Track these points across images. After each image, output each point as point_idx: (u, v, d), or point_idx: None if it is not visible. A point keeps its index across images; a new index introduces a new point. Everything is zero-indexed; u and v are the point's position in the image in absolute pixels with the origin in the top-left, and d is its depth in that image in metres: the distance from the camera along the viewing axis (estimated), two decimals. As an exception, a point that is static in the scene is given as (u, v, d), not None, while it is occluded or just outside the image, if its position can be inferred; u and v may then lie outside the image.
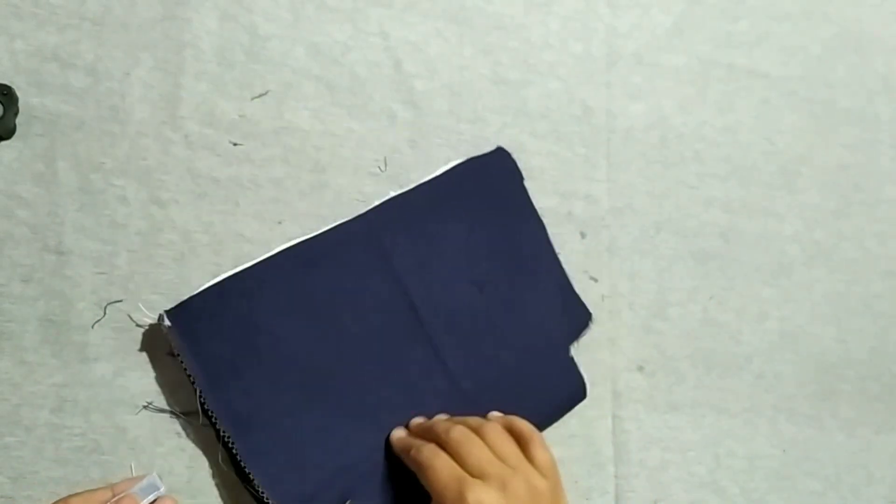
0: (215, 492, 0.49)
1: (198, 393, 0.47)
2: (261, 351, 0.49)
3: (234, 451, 0.47)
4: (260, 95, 0.55)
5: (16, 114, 0.50)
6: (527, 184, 0.60)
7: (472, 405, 0.52)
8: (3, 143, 0.50)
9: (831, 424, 0.67)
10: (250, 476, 0.47)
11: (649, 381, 0.62)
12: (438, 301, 0.53)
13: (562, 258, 0.61)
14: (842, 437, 0.67)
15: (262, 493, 0.46)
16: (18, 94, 0.50)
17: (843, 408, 0.68)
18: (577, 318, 0.59)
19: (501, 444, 0.47)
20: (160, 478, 0.47)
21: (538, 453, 0.48)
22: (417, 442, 0.48)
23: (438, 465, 0.45)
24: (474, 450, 0.46)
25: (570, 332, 0.59)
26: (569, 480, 0.59)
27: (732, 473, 0.63)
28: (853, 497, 0.67)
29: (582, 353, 0.61)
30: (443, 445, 0.46)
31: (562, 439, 0.59)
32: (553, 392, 0.57)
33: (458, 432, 0.47)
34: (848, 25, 0.73)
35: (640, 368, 0.62)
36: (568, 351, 0.58)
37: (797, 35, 0.71)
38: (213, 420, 0.47)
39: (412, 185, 0.56)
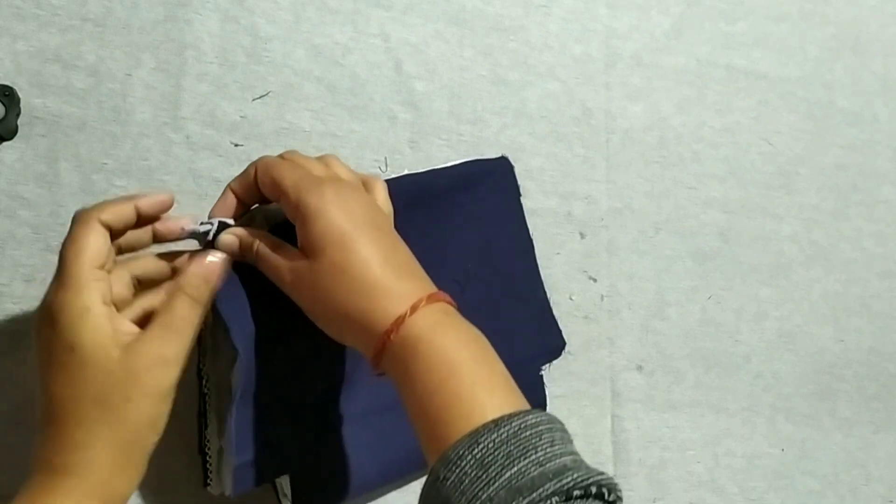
0: (217, 491, 0.49)
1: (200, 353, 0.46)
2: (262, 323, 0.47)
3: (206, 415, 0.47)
4: (261, 96, 0.55)
5: (18, 114, 0.50)
6: (527, 184, 0.61)
7: None
8: (6, 143, 0.50)
9: (829, 424, 0.67)
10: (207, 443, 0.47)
11: (648, 381, 0.63)
12: None
13: (561, 258, 0.61)
14: (840, 436, 0.68)
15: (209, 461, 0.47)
16: (20, 94, 0.50)
17: (841, 407, 0.68)
18: (552, 341, 0.59)
19: (345, 171, 0.45)
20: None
21: (380, 194, 0.46)
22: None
23: (282, 172, 0.42)
24: (316, 165, 0.44)
25: (543, 353, 0.59)
26: (568, 479, 0.59)
27: (731, 472, 0.64)
28: (851, 496, 0.67)
29: (581, 353, 0.61)
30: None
31: (561, 438, 0.59)
32: None
33: (294, 154, 0.44)
34: (846, 27, 0.74)
35: (639, 368, 0.63)
36: (539, 370, 0.58)
37: (795, 36, 0.72)
38: (204, 383, 0.47)
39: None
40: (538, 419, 0.37)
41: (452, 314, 0.42)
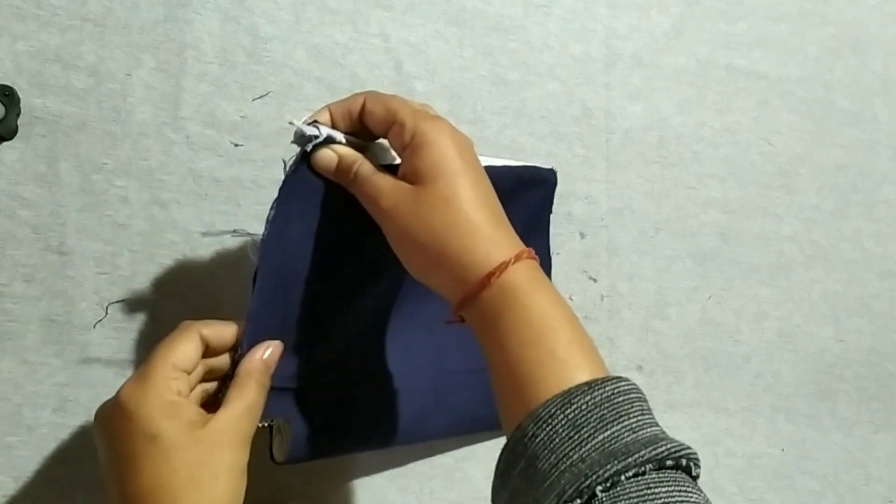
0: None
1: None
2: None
3: None
4: (261, 96, 0.55)
5: (18, 114, 0.50)
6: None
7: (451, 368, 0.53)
8: (6, 143, 0.50)
9: (829, 424, 0.67)
10: None
11: (648, 381, 0.63)
12: None
13: (561, 258, 0.61)
14: (840, 436, 0.68)
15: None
16: (20, 94, 0.50)
17: (841, 407, 0.68)
18: None
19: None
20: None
21: None
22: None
23: (398, 104, 0.42)
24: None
25: None
26: (568, 479, 0.59)
27: (731, 472, 0.64)
28: (851, 496, 0.67)
29: (581, 352, 0.61)
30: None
31: (561, 438, 0.59)
32: None
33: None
34: (846, 26, 0.74)
35: (639, 368, 0.63)
36: None
37: (795, 36, 0.72)
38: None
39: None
40: (630, 387, 0.37)
41: (544, 274, 0.41)
